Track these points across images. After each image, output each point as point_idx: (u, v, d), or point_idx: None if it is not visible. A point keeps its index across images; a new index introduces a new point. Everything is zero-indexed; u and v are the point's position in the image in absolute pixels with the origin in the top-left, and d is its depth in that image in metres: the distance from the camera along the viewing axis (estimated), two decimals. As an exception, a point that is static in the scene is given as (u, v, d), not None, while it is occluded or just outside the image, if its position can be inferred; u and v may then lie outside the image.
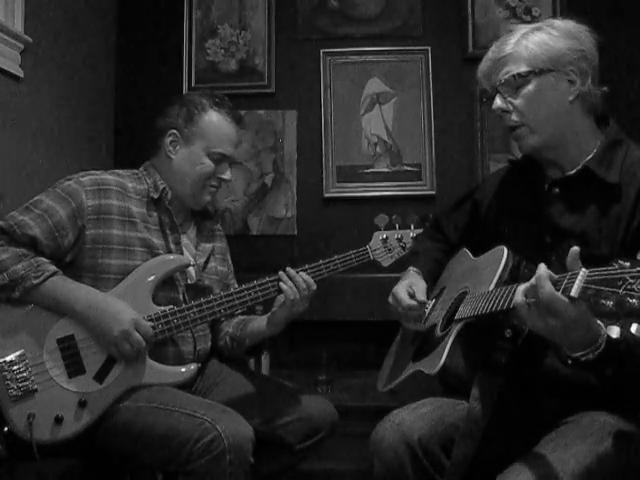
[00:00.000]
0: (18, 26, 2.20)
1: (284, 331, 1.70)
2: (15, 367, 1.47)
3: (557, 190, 1.38)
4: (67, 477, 1.51)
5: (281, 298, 1.63)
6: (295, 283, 1.60)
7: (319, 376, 2.61)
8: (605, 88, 1.36)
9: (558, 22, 1.35)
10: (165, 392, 1.55)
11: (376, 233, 1.78)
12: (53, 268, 1.54)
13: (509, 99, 1.35)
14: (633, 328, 0.93)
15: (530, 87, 1.33)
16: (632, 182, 1.29)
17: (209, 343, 1.76)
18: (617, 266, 0.94)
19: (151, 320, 1.55)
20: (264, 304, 1.75)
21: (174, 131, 1.70)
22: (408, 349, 1.55)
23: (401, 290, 1.53)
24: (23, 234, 1.52)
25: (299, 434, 1.66)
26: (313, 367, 2.67)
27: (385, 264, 1.77)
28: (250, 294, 1.62)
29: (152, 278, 1.60)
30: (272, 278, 1.63)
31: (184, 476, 1.43)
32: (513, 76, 1.33)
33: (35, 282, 1.49)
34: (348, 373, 2.74)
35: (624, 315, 0.92)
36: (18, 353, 1.49)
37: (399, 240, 1.77)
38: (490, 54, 1.39)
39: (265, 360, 2.61)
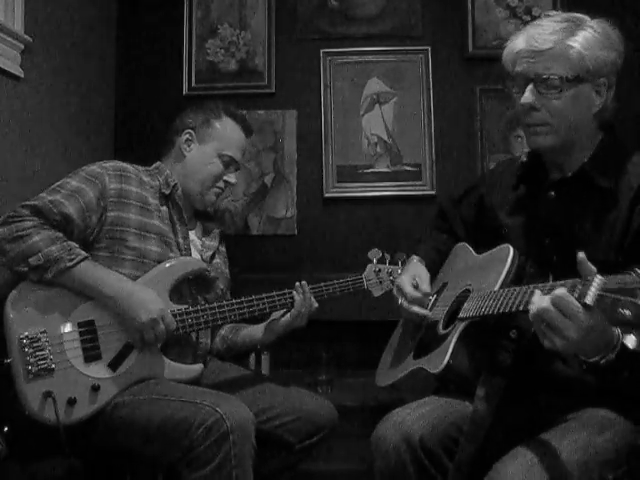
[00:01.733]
0: (18, 26, 2.20)
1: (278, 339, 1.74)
2: (36, 344, 1.49)
3: (553, 193, 1.37)
4: (67, 477, 1.51)
5: (277, 314, 1.75)
6: (305, 296, 1.71)
7: (319, 376, 2.61)
8: (616, 105, 1.35)
9: (594, 23, 1.30)
10: (163, 384, 1.58)
11: (369, 265, 1.92)
12: (84, 253, 1.58)
13: (543, 97, 1.29)
14: None
15: (570, 93, 1.28)
16: (628, 187, 1.28)
17: (209, 340, 1.79)
18: (634, 275, 0.93)
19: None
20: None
21: (190, 131, 1.81)
22: (408, 345, 1.55)
23: (406, 282, 1.54)
24: (59, 212, 1.56)
25: (299, 433, 1.67)
26: (313, 367, 2.67)
27: (376, 294, 1.92)
28: (259, 305, 1.69)
29: (173, 277, 1.67)
30: (280, 292, 1.72)
31: (188, 465, 1.44)
32: (560, 78, 1.26)
33: (69, 265, 1.53)
34: (348, 373, 2.74)
35: None
36: (39, 330, 1.51)
37: (389, 274, 1.92)
38: (525, 41, 1.30)
39: (265, 360, 2.62)
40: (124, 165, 1.73)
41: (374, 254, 1.92)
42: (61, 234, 1.56)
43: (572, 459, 1.13)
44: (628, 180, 1.29)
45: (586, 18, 1.32)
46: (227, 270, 1.93)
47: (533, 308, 1.06)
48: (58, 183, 1.63)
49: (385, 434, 1.32)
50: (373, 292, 1.90)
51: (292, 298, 1.71)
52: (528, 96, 1.30)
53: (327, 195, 2.93)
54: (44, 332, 1.51)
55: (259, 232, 2.95)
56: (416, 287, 1.53)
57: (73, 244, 1.57)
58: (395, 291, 1.57)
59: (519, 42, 1.33)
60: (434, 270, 1.64)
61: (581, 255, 1.01)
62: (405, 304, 1.51)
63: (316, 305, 1.74)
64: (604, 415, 1.24)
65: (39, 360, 1.49)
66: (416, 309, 1.51)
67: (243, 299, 1.69)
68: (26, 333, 1.49)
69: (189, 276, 1.71)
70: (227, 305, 1.67)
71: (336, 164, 2.93)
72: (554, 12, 1.35)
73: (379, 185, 2.92)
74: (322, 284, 1.79)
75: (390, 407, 1.41)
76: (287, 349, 2.78)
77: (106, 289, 1.56)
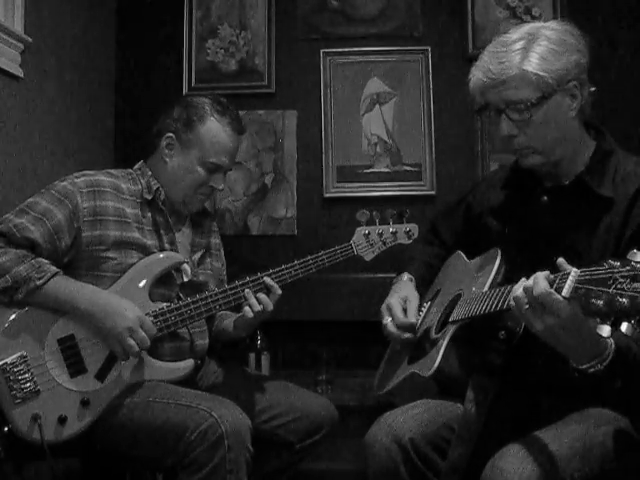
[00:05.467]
0: (18, 26, 2.20)
1: (284, 331, 1.71)
2: (17, 369, 1.48)
3: (545, 198, 1.38)
4: (67, 477, 1.51)
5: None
6: (251, 302, 1.61)
7: (319, 376, 2.61)
8: (594, 88, 1.34)
9: (550, 31, 1.30)
10: (160, 387, 1.57)
11: (358, 229, 1.81)
12: (54, 268, 1.54)
13: (517, 123, 1.31)
14: (623, 327, 0.94)
15: (539, 112, 1.28)
16: (623, 196, 1.28)
17: (207, 339, 1.77)
18: (607, 266, 0.95)
19: (150, 317, 1.56)
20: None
21: (171, 135, 1.70)
22: (404, 351, 1.55)
23: (396, 304, 1.53)
24: (22, 237, 1.52)
25: (300, 433, 1.67)
26: (313, 367, 2.67)
27: (367, 258, 1.81)
28: (244, 290, 1.63)
29: (149, 276, 1.61)
30: (265, 274, 1.66)
31: (183, 469, 1.44)
32: (525, 105, 1.28)
33: (39, 283, 1.50)
34: (348, 373, 2.74)
35: (614, 314, 0.93)
36: (19, 355, 1.49)
37: (380, 235, 1.81)
38: (483, 74, 1.32)
39: (265, 360, 2.61)
40: (98, 178, 1.65)
41: (361, 216, 1.80)
42: (28, 252, 1.53)
43: (574, 447, 1.15)
44: (624, 187, 1.29)
45: (539, 28, 1.31)
46: (219, 264, 1.88)
47: (512, 295, 1.10)
48: (28, 202, 1.58)
49: (376, 436, 1.33)
50: (364, 257, 1.80)
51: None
52: (503, 127, 1.33)
53: (327, 195, 2.93)
54: (24, 356, 1.49)
55: (259, 232, 2.95)
56: (405, 310, 1.52)
57: (42, 260, 1.53)
58: (384, 309, 1.55)
59: (479, 75, 1.34)
60: (425, 284, 1.64)
61: (560, 260, 1.04)
62: (390, 326, 1.50)
63: (279, 292, 1.63)
64: (604, 412, 1.25)
65: (23, 384, 1.47)
66: (401, 335, 1.49)
67: (227, 287, 1.64)
68: (6, 360, 1.47)
69: (167, 271, 1.64)
70: (211, 296, 1.62)
71: (336, 164, 2.93)
72: (506, 35, 1.34)
73: (379, 185, 2.92)
74: (309, 257, 1.70)
75: (390, 407, 1.42)
76: (287, 349, 2.79)
77: (80, 303, 1.52)
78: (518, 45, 1.29)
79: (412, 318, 1.50)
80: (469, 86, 1.37)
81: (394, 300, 1.54)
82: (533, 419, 1.28)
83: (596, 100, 1.36)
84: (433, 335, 1.43)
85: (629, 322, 0.93)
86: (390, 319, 1.51)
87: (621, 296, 0.91)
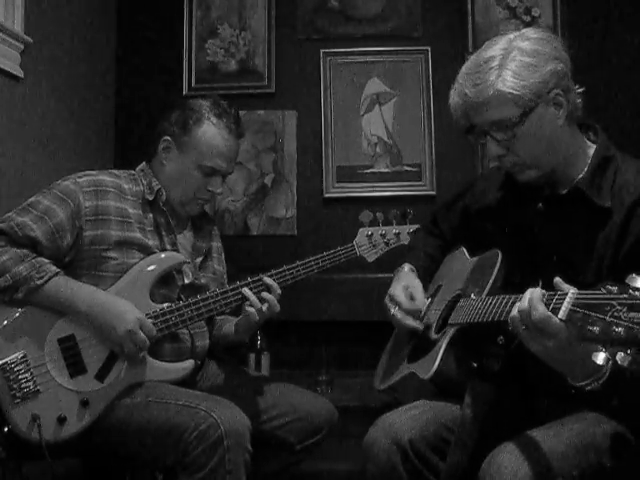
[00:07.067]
0: (18, 26, 2.20)
1: (284, 331, 1.71)
2: (17, 368, 1.48)
3: (541, 205, 1.35)
4: (67, 477, 1.51)
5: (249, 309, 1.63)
6: (252, 299, 1.60)
7: (319, 376, 2.61)
8: (582, 89, 1.31)
9: (524, 42, 1.26)
10: (160, 387, 1.57)
11: (361, 229, 1.81)
12: (55, 268, 1.54)
13: (502, 143, 1.28)
14: (618, 356, 0.92)
15: (523, 128, 1.25)
16: (621, 206, 1.26)
17: (207, 340, 1.76)
18: (605, 291, 0.92)
19: (150, 318, 1.56)
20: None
21: (168, 138, 1.70)
22: (404, 347, 1.55)
23: (399, 292, 1.51)
24: (24, 235, 1.52)
25: (299, 434, 1.67)
26: (313, 367, 2.67)
27: (370, 260, 1.82)
28: (245, 290, 1.62)
29: (150, 276, 1.61)
30: (266, 274, 1.65)
31: (183, 469, 1.44)
32: (507, 124, 1.25)
33: (38, 283, 1.50)
34: (348, 373, 2.74)
35: (610, 342, 0.91)
36: (19, 355, 1.49)
37: (383, 236, 1.82)
38: (460, 98, 1.29)
39: (265, 360, 2.62)
40: (100, 178, 1.65)
41: (365, 216, 1.80)
42: (29, 251, 1.52)
43: (570, 445, 1.15)
44: (621, 198, 1.26)
45: (512, 40, 1.28)
46: (221, 267, 1.88)
47: (512, 318, 1.10)
48: (30, 201, 1.58)
49: (375, 438, 1.33)
50: (367, 258, 1.80)
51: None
52: (490, 147, 1.31)
53: (327, 195, 2.93)
54: (24, 356, 1.49)
55: (259, 232, 2.95)
56: (411, 298, 1.50)
57: (43, 260, 1.53)
58: (387, 300, 1.53)
59: (457, 99, 1.32)
60: (427, 276, 1.63)
61: (557, 279, 1.04)
62: (399, 315, 1.48)
63: (279, 291, 1.62)
64: (599, 415, 1.25)
65: (23, 384, 1.47)
66: (410, 322, 1.48)
67: (227, 288, 1.63)
68: (6, 359, 1.47)
69: (169, 272, 1.64)
70: (212, 297, 1.61)
71: (336, 164, 2.93)
72: (480, 53, 1.31)
73: (379, 185, 2.92)
74: (311, 258, 1.70)
75: (390, 407, 1.42)
76: (287, 349, 2.79)
77: (79, 304, 1.52)
78: (492, 64, 1.26)
79: (421, 299, 1.49)
80: (450, 110, 1.35)
81: (397, 290, 1.52)
82: (531, 423, 1.27)
83: (596, 98, 1.34)
84: (433, 335, 1.43)
85: (624, 352, 0.91)
86: (396, 308, 1.49)
87: (617, 325, 0.89)
